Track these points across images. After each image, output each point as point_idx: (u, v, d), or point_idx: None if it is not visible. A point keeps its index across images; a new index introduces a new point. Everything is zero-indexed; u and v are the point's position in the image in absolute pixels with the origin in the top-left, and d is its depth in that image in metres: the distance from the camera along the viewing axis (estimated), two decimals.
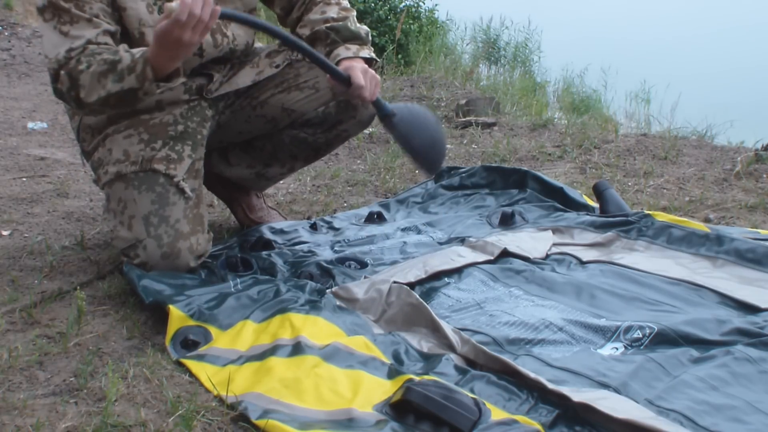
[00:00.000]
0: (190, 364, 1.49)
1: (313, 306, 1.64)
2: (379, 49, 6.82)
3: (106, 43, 1.76)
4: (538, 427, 1.23)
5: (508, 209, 2.34)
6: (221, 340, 1.58)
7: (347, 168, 3.09)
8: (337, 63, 1.92)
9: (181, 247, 1.84)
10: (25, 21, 6.64)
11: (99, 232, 2.30)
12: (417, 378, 1.35)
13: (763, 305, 1.68)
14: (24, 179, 2.84)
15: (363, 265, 1.98)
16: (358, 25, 2.02)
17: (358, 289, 1.75)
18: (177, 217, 1.86)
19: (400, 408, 1.30)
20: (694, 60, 11.92)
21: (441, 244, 2.13)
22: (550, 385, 1.32)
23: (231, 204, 2.37)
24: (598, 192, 2.30)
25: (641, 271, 1.89)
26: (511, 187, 2.53)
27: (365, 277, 1.84)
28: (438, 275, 1.88)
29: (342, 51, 1.95)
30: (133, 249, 1.84)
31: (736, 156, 2.94)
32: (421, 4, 7.97)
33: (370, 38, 2.04)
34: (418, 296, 1.67)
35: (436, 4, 8.21)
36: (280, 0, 2.08)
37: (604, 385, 1.35)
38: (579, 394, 1.29)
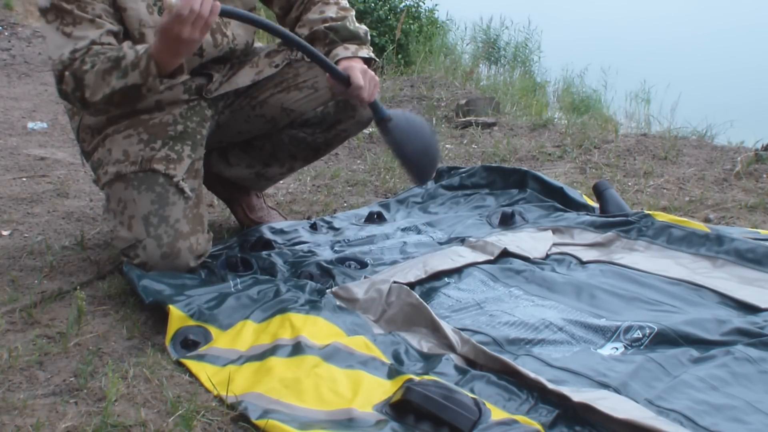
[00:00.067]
0: (190, 364, 1.49)
1: (313, 306, 1.64)
2: (379, 49, 6.82)
3: (109, 44, 1.76)
4: (538, 427, 1.23)
5: (508, 209, 2.34)
6: (221, 340, 1.58)
7: (347, 168, 3.09)
8: (336, 63, 1.92)
9: (181, 247, 1.84)
10: (25, 21, 6.64)
11: (99, 232, 2.30)
12: (417, 378, 1.35)
13: (763, 305, 1.68)
14: (24, 179, 2.84)
15: (363, 265, 1.98)
16: (356, 24, 2.02)
17: (358, 289, 1.75)
18: (177, 217, 1.86)
19: (400, 408, 1.30)
20: (693, 60, 11.92)
21: (441, 244, 2.13)
22: (550, 385, 1.32)
23: (231, 204, 2.37)
24: (598, 192, 2.30)
25: (641, 271, 1.89)
26: (511, 187, 2.53)
27: (365, 277, 1.84)
28: (438, 275, 1.88)
29: (341, 51, 1.95)
30: (132, 249, 1.84)
31: (736, 156, 2.94)
32: (421, 4, 7.97)
33: (369, 38, 2.04)
34: (418, 296, 1.67)
35: (436, 4, 8.20)
36: None
37: (604, 385, 1.35)
38: (579, 394, 1.29)
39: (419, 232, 2.25)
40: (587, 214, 2.24)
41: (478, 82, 5.27)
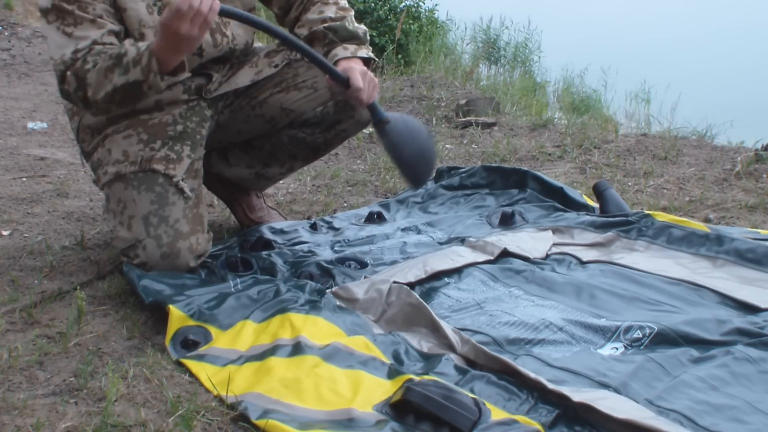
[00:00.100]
0: (190, 364, 1.49)
1: (313, 306, 1.64)
2: (379, 49, 6.82)
3: (111, 43, 1.76)
4: (538, 427, 1.23)
5: (508, 209, 2.34)
6: (221, 340, 1.58)
7: (347, 168, 3.09)
8: (335, 63, 1.92)
9: (181, 247, 1.84)
10: (25, 21, 6.64)
11: (99, 232, 2.30)
12: (417, 378, 1.35)
13: (763, 305, 1.68)
14: (24, 179, 2.84)
15: (363, 265, 1.98)
16: (356, 24, 2.02)
17: (358, 289, 1.75)
18: (176, 217, 1.86)
19: (400, 408, 1.30)
20: (693, 60, 11.92)
21: (441, 244, 2.13)
22: (550, 385, 1.32)
23: (231, 204, 2.37)
24: (598, 192, 2.30)
25: (641, 271, 1.89)
26: (511, 187, 2.53)
27: (365, 277, 1.84)
28: (438, 275, 1.88)
29: (340, 51, 1.95)
30: (132, 249, 1.84)
31: (736, 156, 2.94)
32: (421, 4, 7.97)
33: (368, 37, 2.04)
34: (418, 296, 1.67)
35: (436, 4, 8.21)
36: None
37: (604, 385, 1.35)
38: (579, 394, 1.29)
39: (419, 232, 2.25)
40: (587, 214, 2.24)
41: (478, 82, 5.27)
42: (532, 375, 1.36)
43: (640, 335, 1.54)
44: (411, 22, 7.47)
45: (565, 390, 1.30)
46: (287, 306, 1.64)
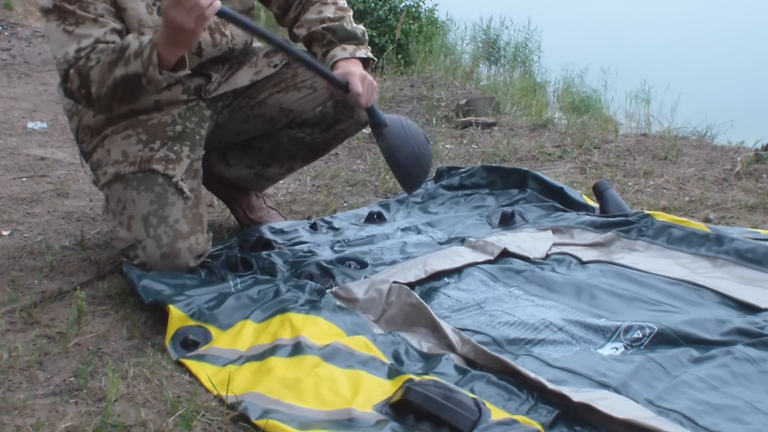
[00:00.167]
0: (190, 364, 1.49)
1: (313, 306, 1.64)
2: (379, 49, 6.82)
3: (114, 42, 1.76)
4: (538, 427, 1.23)
5: (508, 209, 2.34)
6: (221, 340, 1.58)
7: (347, 168, 3.09)
8: (334, 64, 1.93)
9: (181, 247, 1.84)
10: (25, 21, 6.65)
11: (99, 232, 2.30)
12: (417, 378, 1.35)
13: (763, 305, 1.68)
14: (24, 179, 2.84)
15: (363, 265, 1.98)
16: (354, 24, 2.02)
17: (358, 289, 1.75)
18: (176, 217, 1.86)
19: (400, 408, 1.30)
20: (693, 60, 11.91)
21: (441, 244, 2.13)
22: (550, 385, 1.32)
23: (231, 204, 2.37)
24: (598, 192, 2.30)
25: (641, 271, 1.89)
26: (511, 187, 2.53)
27: (365, 277, 1.84)
28: (438, 275, 1.88)
29: (339, 52, 1.96)
30: (132, 249, 1.84)
31: (736, 156, 2.94)
32: (421, 4, 7.98)
33: (367, 37, 2.04)
34: (418, 296, 1.67)
35: (436, 4, 8.21)
36: None
37: (604, 385, 1.35)
38: (579, 394, 1.29)
39: (419, 232, 2.25)
40: (587, 214, 2.24)
41: (478, 82, 5.27)
42: (532, 375, 1.36)
43: (640, 335, 1.54)
44: (411, 22, 7.48)
45: (565, 390, 1.30)
46: (287, 306, 1.64)
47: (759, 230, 2.17)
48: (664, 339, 1.53)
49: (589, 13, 14.94)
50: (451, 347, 1.51)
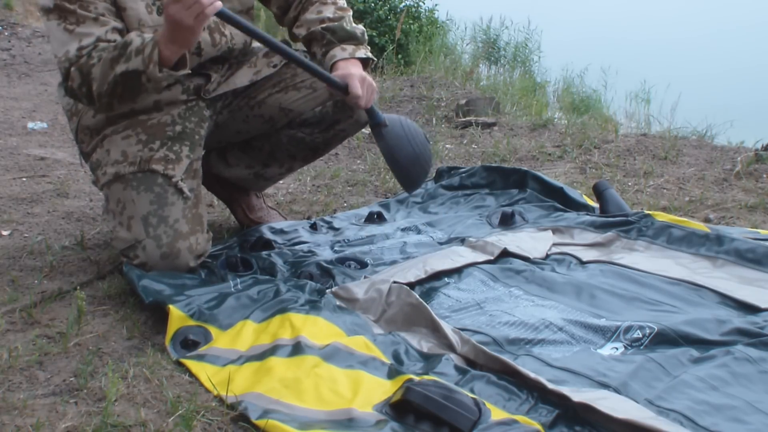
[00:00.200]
0: (190, 364, 1.49)
1: (313, 306, 1.64)
2: (379, 49, 6.82)
3: (115, 40, 1.77)
4: (538, 427, 1.23)
5: (508, 209, 2.34)
6: (221, 340, 1.58)
7: (347, 168, 3.09)
8: (334, 64, 1.93)
9: (181, 247, 1.84)
10: (25, 21, 6.65)
11: (99, 232, 2.30)
12: (417, 378, 1.35)
13: (763, 305, 1.68)
14: (24, 179, 2.84)
15: (363, 265, 1.98)
16: (354, 24, 2.02)
17: (358, 289, 1.75)
18: (176, 217, 1.86)
19: (400, 408, 1.30)
20: (693, 60, 11.92)
21: (441, 244, 2.13)
22: (550, 385, 1.32)
23: (231, 204, 2.37)
24: (598, 192, 2.30)
25: (641, 271, 1.89)
26: (511, 187, 2.53)
27: (365, 277, 1.84)
28: (438, 275, 1.88)
29: (338, 52, 1.96)
30: (132, 249, 1.84)
31: (736, 156, 2.94)
32: (421, 4, 7.97)
33: (366, 37, 2.05)
34: (418, 296, 1.67)
35: (436, 4, 8.21)
36: None
37: (604, 385, 1.35)
38: (579, 394, 1.29)
39: (419, 232, 2.25)
40: (587, 214, 2.24)
41: (478, 82, 5.27)
42: (532, 375, 1.36)
43: (640, 335, 1.54)
44: (411, 22, 7.48)
45: (565, 390, 1.30)
46: (287, 306, 1.64)
47: (759, 230, 2.17)
48: (664, 339, 1.53)
49: (589, 13, 14.94)
50: (451, 347, 1.51)
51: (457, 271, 1.91)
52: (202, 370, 1.46)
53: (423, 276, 1.85)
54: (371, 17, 7.43)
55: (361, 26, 2.05)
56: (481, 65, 7.86)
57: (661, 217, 2.14)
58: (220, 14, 1.67)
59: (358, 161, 3.22)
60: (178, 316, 1.63)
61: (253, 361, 1.47)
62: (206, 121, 2.02)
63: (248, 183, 2.28)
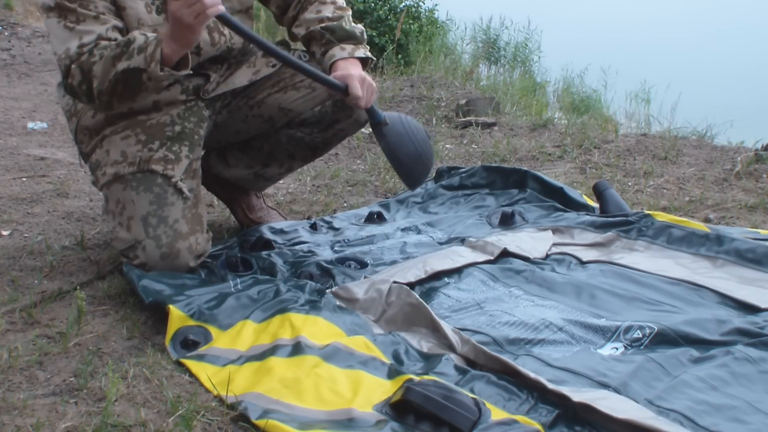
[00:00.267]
0: (190, 364, 1.49)
1: (313, 306, 1.64)
2: (379, 49, 6.82)
3: (116, 39, 1.77)
4: (538, 427, 1.23)
5: (508, 209, 2.34)
6: (221, 340, 1.58)
7: (347, 168, 3.09)
8: (333, 63, 1.93)
9: (180, 247, 1.84)
10: (25, 21, 6.65)
11: (99, 232, 2.30)
12: (417, 378, 1.35)
13: (763, 305, 1.68)
14: (24, 179, 2.84)
15: (363, 265, 1.98)
16: (353, 24, 2.02)
17: (358, 289, 1.75)
18: (176, 218, 1.86)
19: (400, 408, 1.30)
20: (693, 60, 11.92)
21: (441, 244, 2.13)
22: (550, 385, 1.32)
23: (230, 204, 2.37)
24: (598, 192, 2.30)
25: (641, 271, 1.89)
26: (511, 187, 2.53)
27: (365, 277, 1.84)
28: (438, 275, 1.88)
29: (337, 51, 1.96)
30: (132, 250, 1.84)
31: (736, 156, 2.94)
32: (421, 4, 7.97)
33: (366, 37, 2.05)
34: (418, 296, 1.67)
35: (436, 4, 8.21)
36: None
37: (604, 385, 1.35)
38: (579, 394, 1.29)
39: (419, 232, 2.25)
40: (587, 214, 2.24)
41: (478, 82, 5.27)
42: (532, 375, 1.36)
43: (640, 335, 1.54)
44: (411, 22, 7.48)
45: (565, 390, 1.30)
46: (287, 306, 1.64)
47: (759, 230, 2.17)
48: (664, 339, 1.53)
49: (589, 13, 14.94)
50: (451, 347, 1.51)
51: (457, 271, 1.91)
52: (202, 370, 1.46)
53: (423, 276, 1.85)
54: (371, 17, 7.44)
55: (360, 26, 2.05)
56: (481, 65, 7.86)
57: (661, 217, 2.14)
58: (220, 17, 1.67)
59: (358, 161, 3.22)
60: (178, 316, 1.63)
61: (253, 361, 1.47)
62: (205, 121, 2.02)
63: (248, 183, 2.28)
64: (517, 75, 7.87)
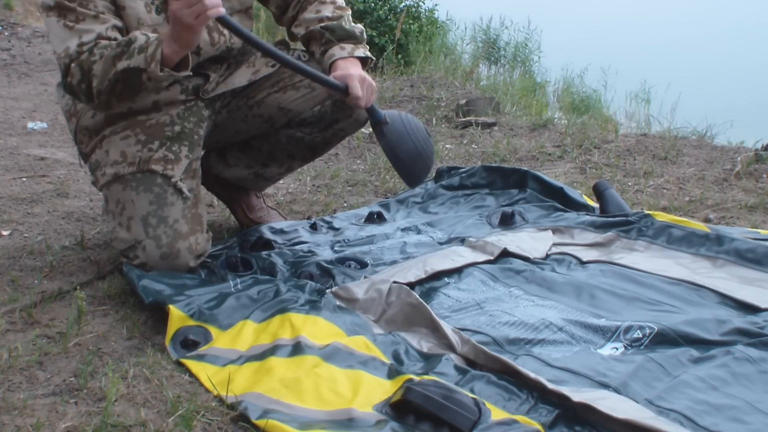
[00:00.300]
0: (190, 364, 1.49)
1: (313, 306, 1.64)
2: (379, 49, 6.82)
3: (115, 38, 1.77)
4: (538, 427, 1.23)
5: (508, 209, 2.34)
6: (221, 340, 1.58)
7: (347, 168, 3.09)
8: (333, 63, 1.93)
9: (180, 247, 1.84)
10: (25, 21, 6.65)
11: (99, 232, 2.30)
12: (417, 378, 1.35)
13: (763, 305, 1.68)
14: (24, 179, 2.84)
15: (363, 265, 1.98)
16: (352, 23, 2.02)
17: (358, 289, 1.75)
18: (175, 218, 1.86)
19: (400, 408, 1.30)
20: (694, 60, 11.92)
21: (441, 244, 2.13)
22: (550, 385, 1.32)
23: (230, 204, 2.37)
24: (598, 192, 2.30)
25: (641, 271, 1.89)
26: (511, 187, 2.53)
27: (365, 277, 1.84)
28: (438, 275, 1.88)
29: (337, 51, 1.96)
30: (132, 250, 1.84)
31: (736, 156, 2.94)
32: (421, 4, 7.98)
33: (365, 36, 2.05)
34: (417, 296, 1.67)
35: (436, 4, 8.21)
36: None
37: (604, 385, 1.35)
38: (579, 394, 1.29)
39: (419, 232, 2.25)
40: (587, 214, 2.24)
41: (478, 82, 5.27)
42: (532, 375, 1.36)
43: (640, 335, 1.54)
44: (411, 22, 7.48)
45: (565, 390, 1.30)
46: (287, 306, 1.64)
47: (759, 230, 2.17)
48: (664, 339, 1.53)
49: (589, 13, 14.94)
50: (451, 347, 1.51)
51: (457, 271, 1.90)
52: (202, 370, 1.46)
53: (423, 276, 1.85)
54: (371, 17, 7.44)
55: (360, 25, 2.05)
56: (481, 65, 7.87)
57: (661, 217, 2.14)
58: (220, 19, 1.67)
59: (358, 161, 3.22)
60: (178, 316, 1.63)
61: (253, 361, 1.47)
62: (205, 121, 2.02)
63: (248, 183, 2.28)
64: (517, 75, 7.87)
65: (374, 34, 7.22)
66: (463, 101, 3.94)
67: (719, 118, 3.83)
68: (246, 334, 1.58)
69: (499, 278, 1.87)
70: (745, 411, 1.29)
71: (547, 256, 2.02)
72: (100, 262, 2.05)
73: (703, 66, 11.44)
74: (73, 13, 1.75)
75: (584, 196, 2.45)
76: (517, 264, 1.94)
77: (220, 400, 1.37)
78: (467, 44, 8.81)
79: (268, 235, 2.18)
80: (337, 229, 2.30)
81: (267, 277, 1.88)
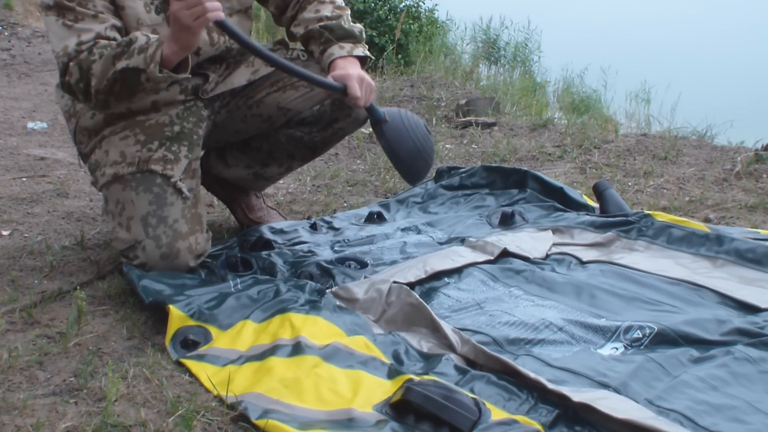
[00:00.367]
0: (190, 364, 1.49)
1: (313, 306, 1.64)
2: (379, 49, 6.82)
3: (114, 38, 1.77)
4: (538, 427, 1.23)
5: (508, 209, 2.34)
6: (221, 340, 1.58)
7: (347, 168, 3.09)
8: (332, 62, 1.93)
9: (180, 247, 1.84)
10: (25, 21, 6.65)
11: (99, 232, 2.30)
12: (417, 378, 1.35)
13: (763, 305, 1.68)
14: (24, 179, 2.84)
15: (363, 265, 1.98)
16: (352, 23, 2.03)
17: (358, 289, 1.75)
18: (175, 217, 1.86)
19: (400, 408, 1.30)
20: (694, 60, 11.92)
21: (441, 244, 2.13)
22: (550, 385, 1.32)
23: (230, 204, 2.37)
24: (598, 192, 2.30)
25: (641, 271, 1.89)
26: (511, 187, 2.53)
27: (365, 277, 1.84)
28: (438, 275, 1.88)
29: (336, 50, 1.96)
30: (132, 250, 1.84)
31: (736, 156, 2.94)
32: (421, 4, 7.98)
33: (365, 36, 2.05)
34: (418, 296, 1.67)
35: (436, 4, 8.22)
36: None
37: (604, 385, 1.35)
38: (579, 394, 1.29)
39: (419, 232, 2.25)
40: (587, 214, 2.24)
41: (478, 82, 5.27)
42: (532, 375, 1.36)
43: (640, 335, 1.54)
44: (411, 22, 7.48)
45: (565, 390, 1.30)
46: (287, 306, 1.64)
47: (759, 230, 2.17)
48: (664, 339, 1.53)
49: (589, 13, 14.94)
50: (451, 347, 1.51)
51: (457, 271, 1.90)
52: (202, 370, 1.46)
53: (423, 276, 1.85)
54: (371, 17, 7.44)
55: (359, 25, 2.05)
56: (481, 65, 7.87)
57: (661, 217, 2.14)
58: (219, 24, 1.67)
59: (358, 161, 3.22)
60: (178, 316, 1.63)
61: (253, 361, 1.47)
62: (204, 121, 2.02)
63: (247, 183, 2.28)
64: (517, 75, 7.88)
65: (374, 34, 7.23)
66: (463, 101, 3.94)
67: (719, 118, 3.83)
68: (246, 334, 1.58)
69: (499, 278, 1.87)
70: (745, 411, 1.29)
71: (547, 256, 2.02)
72: (100, 262, 2.05)
73: (703, 66, 11.44)
74: (72, 12, 1.75)
75: (584, 196, 2.45)
76: (517, 264, 1.94)
77: (220, 400, 1.37)
78: (467, 44, 8.82)
79: (268, 235, 2.18)
80: (337, 229, 2.30)
81: (267, 277, 1.88)
